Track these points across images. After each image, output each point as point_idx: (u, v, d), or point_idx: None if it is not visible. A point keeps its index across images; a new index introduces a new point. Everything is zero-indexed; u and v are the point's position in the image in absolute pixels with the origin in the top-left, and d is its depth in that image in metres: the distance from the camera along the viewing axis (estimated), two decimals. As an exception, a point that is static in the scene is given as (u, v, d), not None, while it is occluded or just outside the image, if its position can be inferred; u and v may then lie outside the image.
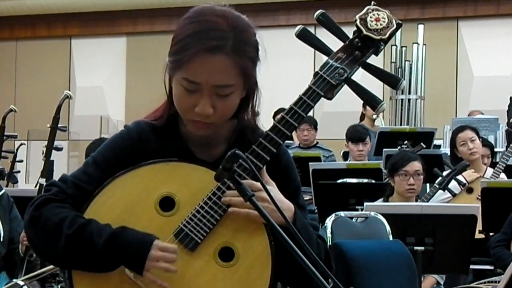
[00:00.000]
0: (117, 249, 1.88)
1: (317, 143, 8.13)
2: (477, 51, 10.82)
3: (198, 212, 1.93)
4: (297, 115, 1.97)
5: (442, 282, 5.34)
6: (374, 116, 8.33)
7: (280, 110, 8.09)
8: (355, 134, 7.30)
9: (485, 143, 6.60)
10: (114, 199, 1.97)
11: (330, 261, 2.07)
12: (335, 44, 2.05)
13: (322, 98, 2.00)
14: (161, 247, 1.89)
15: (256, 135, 2.01)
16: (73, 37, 12.83)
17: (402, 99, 9.48)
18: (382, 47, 2.04)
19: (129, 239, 1.89)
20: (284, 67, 10.69)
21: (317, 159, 6.70)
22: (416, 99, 9.51)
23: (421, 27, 9.60)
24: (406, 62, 9.53)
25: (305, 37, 2.04)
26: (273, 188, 1.96)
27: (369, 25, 2.01)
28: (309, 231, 2.01)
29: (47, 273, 3.98)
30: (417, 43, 9.51)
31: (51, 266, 3.97)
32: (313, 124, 7.99)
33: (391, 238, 3.89)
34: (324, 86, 1.99)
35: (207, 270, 1.93)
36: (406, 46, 9.58)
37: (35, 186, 5.72)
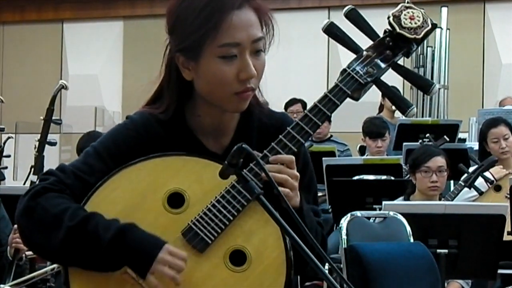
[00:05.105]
0: (124, 246, 1.89)
1: (331, 136, 8.13)
2: (506, 36, 10.77)
3: (209, 210, 1.94)
4: (321, 113, 2.01)
5: (467, 288, 5.34)
6: (394, 107, 8.30)
7: (293, 100, 8.10)
8: (373, 129, 7.26)
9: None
10: (118, 192, 1.97)
11: (325, 248, 2.13)
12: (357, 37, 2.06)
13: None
14: (171, 252, 1.90)
15: (267, 117, 2.09)
16: (65, 21, 12.83)
17: (423, 89, 9.45)
18: (414, 48, 2.10)
19: (139, 237, 1.90)
20: (295, 53, 10.64)
21: (331, 153, 6.72)
22: (439, 89, 9.47)
23: (444, 10, 9.57)
24: (429, 48, 9.50)
25: (334, 32, 2.10)
26: None
27: (403, 23, 2.05)
28: (311, 217, 2.09)
29: (37, 278, 3.99)
30: (440, 27, 9.47)
31: (42, 271, 3.99)
32: (327, 116, 7.96)
33: (411, 240, 3.90)
34: (351, 84, 2.03)
35: (216, 274, 1.93)
36: (428, 31, 9.55)
37: (24, 183, 5.74)
